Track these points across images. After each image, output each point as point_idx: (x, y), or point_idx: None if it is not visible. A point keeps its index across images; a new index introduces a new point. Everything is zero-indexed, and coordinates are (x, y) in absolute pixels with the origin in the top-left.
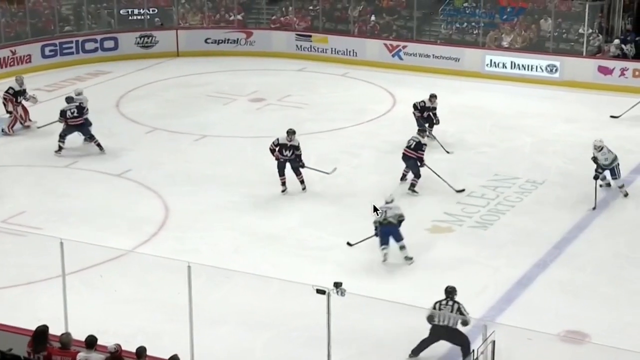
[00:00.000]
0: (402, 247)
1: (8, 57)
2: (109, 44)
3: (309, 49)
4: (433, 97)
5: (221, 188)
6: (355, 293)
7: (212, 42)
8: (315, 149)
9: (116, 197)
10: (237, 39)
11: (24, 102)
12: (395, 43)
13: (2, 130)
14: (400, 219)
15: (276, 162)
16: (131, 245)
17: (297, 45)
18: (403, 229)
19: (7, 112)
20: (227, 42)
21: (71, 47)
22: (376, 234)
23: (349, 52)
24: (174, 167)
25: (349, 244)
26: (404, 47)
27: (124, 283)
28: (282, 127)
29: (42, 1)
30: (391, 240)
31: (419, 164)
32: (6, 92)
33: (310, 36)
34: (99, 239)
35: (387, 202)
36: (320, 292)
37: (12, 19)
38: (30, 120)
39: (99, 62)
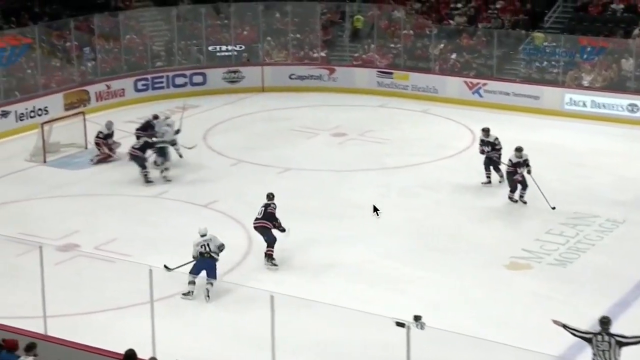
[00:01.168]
0: (211, 284)
1: (103, 91)
2: (197, 79)
3: (390, 86)
4: (484, 130)
5: (303, 220)
6: (434, 327)
7: (296, 78)
8: (395, 182)
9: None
10: (321, 75)
11: (109, 143)
12: (475, 81)
13: (91, 160)
14: (221, 249)
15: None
16: (216, 273)
17: (378, 82)
18: (479, 263)
19: (99, 149)
20: (311, 78)
21: (162, 82)
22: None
23: (430, 88)
24: (258, 198)
25: (166, 267)
26: (484, 84)
27: (209, 310)
28: (363, 162)
29: (136, 38)
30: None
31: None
32: (97, 137)
33: (391, 73)
34: (185, 266)
35: (202, 236)
36: (400, 325)
37: (107, 55)
38: (115, 154)
39: (188, 96)
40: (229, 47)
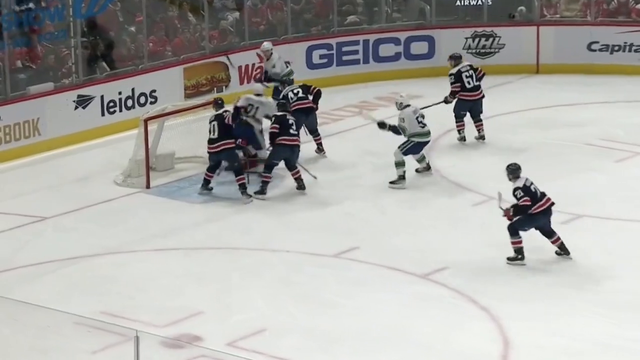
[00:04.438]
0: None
1: (253, 64)
2: (419, 47)
3: None
4: None
5: (607, 310)
6: None
7: (601, 49)
8: None
9: (418, 315)
10: None
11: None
12: None
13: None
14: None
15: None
16: None
17: None
18: None
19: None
20: (629, 50)
21: (356, 51)
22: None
23: None
24: (515, 271)
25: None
26: None
27: None
28: None
29: None
30: None
31: None
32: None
33: None
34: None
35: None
36: None
37: (261, 1)
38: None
39: (398, 79)
40: None
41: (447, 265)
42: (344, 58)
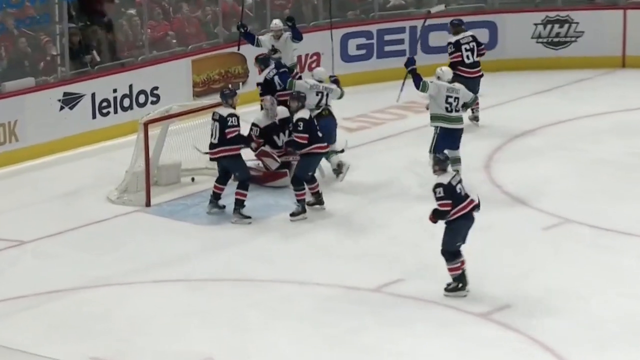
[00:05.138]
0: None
1: None
2: (478, 35)
3: None
4: None
5: None
6: None
7: None
8: None
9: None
10: None
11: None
12: None
13: None
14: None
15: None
16: None
17: None
18: None
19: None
20: None
21: (400, 40)
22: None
23: None
24: (592, 312)
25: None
26: None
27: None
28: None
29: None
30: None
31: None
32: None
33: None
34: None
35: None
36: None
37: None
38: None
39: None
40: None
41: (510, 303)
42: (387, 48)
